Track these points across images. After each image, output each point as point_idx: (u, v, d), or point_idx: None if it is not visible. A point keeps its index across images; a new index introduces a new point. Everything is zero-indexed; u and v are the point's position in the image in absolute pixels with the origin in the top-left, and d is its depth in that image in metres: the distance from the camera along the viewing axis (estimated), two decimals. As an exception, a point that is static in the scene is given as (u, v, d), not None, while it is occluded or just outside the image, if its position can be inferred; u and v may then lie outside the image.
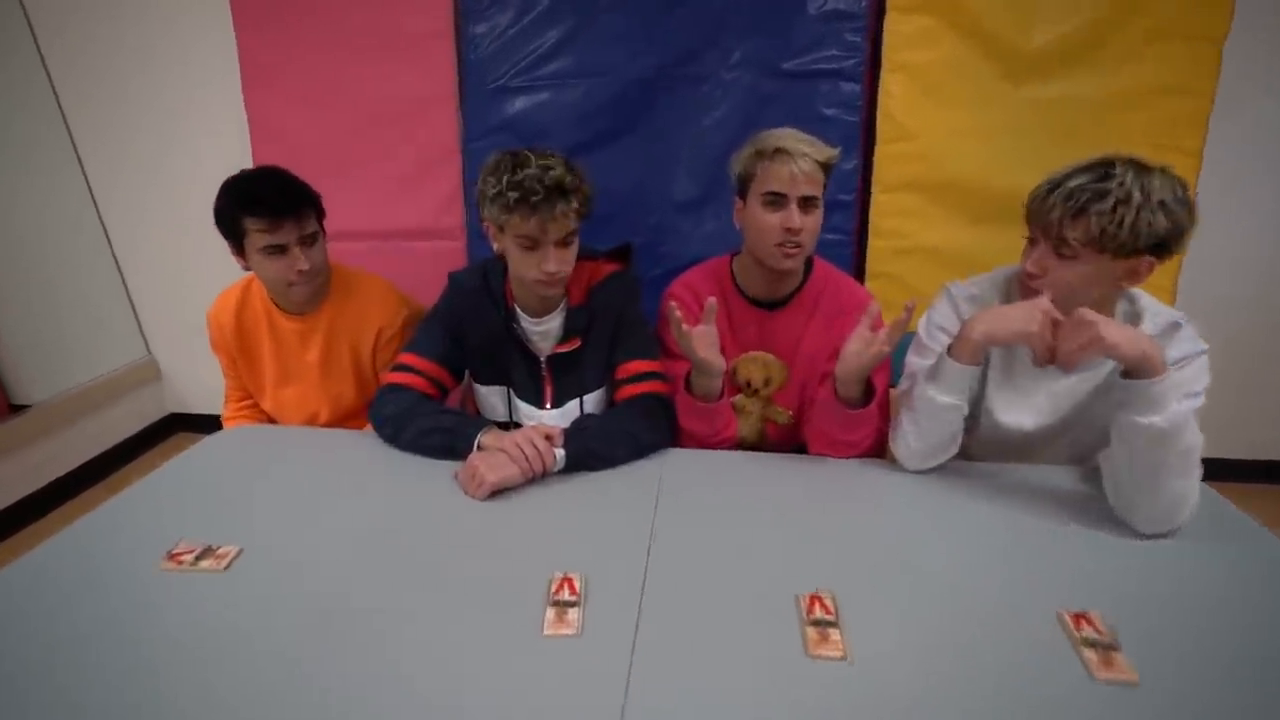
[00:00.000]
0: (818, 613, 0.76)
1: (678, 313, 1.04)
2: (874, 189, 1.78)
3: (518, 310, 1.23)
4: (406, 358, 1.22)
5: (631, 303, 1.26)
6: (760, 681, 0.68)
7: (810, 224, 1.12)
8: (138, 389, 2.51)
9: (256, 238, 1.16)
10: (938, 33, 1.67)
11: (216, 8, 1.93)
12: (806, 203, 1.11)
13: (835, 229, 1.79)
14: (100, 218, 2.34)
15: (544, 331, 1.24)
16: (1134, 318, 1.00)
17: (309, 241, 1.21)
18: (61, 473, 2.23)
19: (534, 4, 1.78)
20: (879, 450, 1.17)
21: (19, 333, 2.19)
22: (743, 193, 1.18)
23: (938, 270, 1.79)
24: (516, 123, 1.86)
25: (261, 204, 1.14)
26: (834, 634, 0.73)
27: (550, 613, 0.77)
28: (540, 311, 1.23)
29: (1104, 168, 0.90)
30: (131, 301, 2.46)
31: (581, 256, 1.24)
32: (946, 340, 1.07)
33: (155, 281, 2.43)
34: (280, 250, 1.17)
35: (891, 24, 1.67)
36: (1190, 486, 0.87)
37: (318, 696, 0.66)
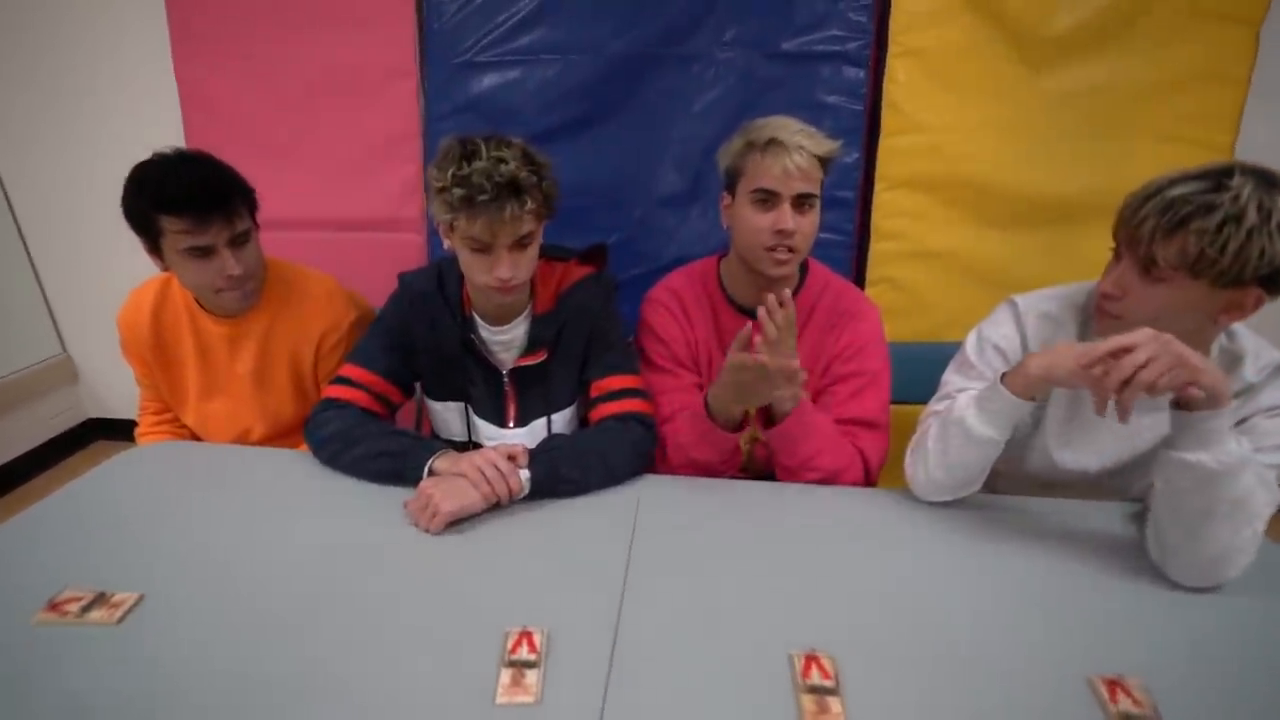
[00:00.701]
0: (814, 677, 0.71)
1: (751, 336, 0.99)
2: (877, 186, 1.74)
3: (476, 318, 1.16)
4: (348, 370, 1.15)
5: (606, 310, 1.19)
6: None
7: (805, 226, 1.08)
8: (51, 390, 2.40)
9: (176, 239, 1.06)
10: (950, 13, 1.62)
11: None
12: (801, 201, 1.06)
13: (832, 229, 1.75)
14: (8, 200, 2.22)
15: (505, 341, 1.17)
16: (1233, 356, 0.93)
17: (240, 241, 1.11)
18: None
19: (505, -32, 1.72)
20: (870, 479, 1.13)
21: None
22: (731, 188, 1.13)
23: (945, 277, 1.75)
24: (483, 102, 1.79)
25: (181, 201, 1.04)
26: (834, 704, 0.68)
27: (505, 675, 0.70)
28: (500, 319, 1.16)
29: (1218, 177, 0.81)
30: (44, 293, 2.34)
31: (550, 256, 1.19)
32: (1000, 362, 1.01)
33: (71, 273, 2.32)
34: (205, 252, 1.08)
35: (900, 2, 1.63)
36: (1242, 540, 0.82)
37: None
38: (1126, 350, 0.77)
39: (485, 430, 1.22)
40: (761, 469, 1.20)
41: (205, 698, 0.68)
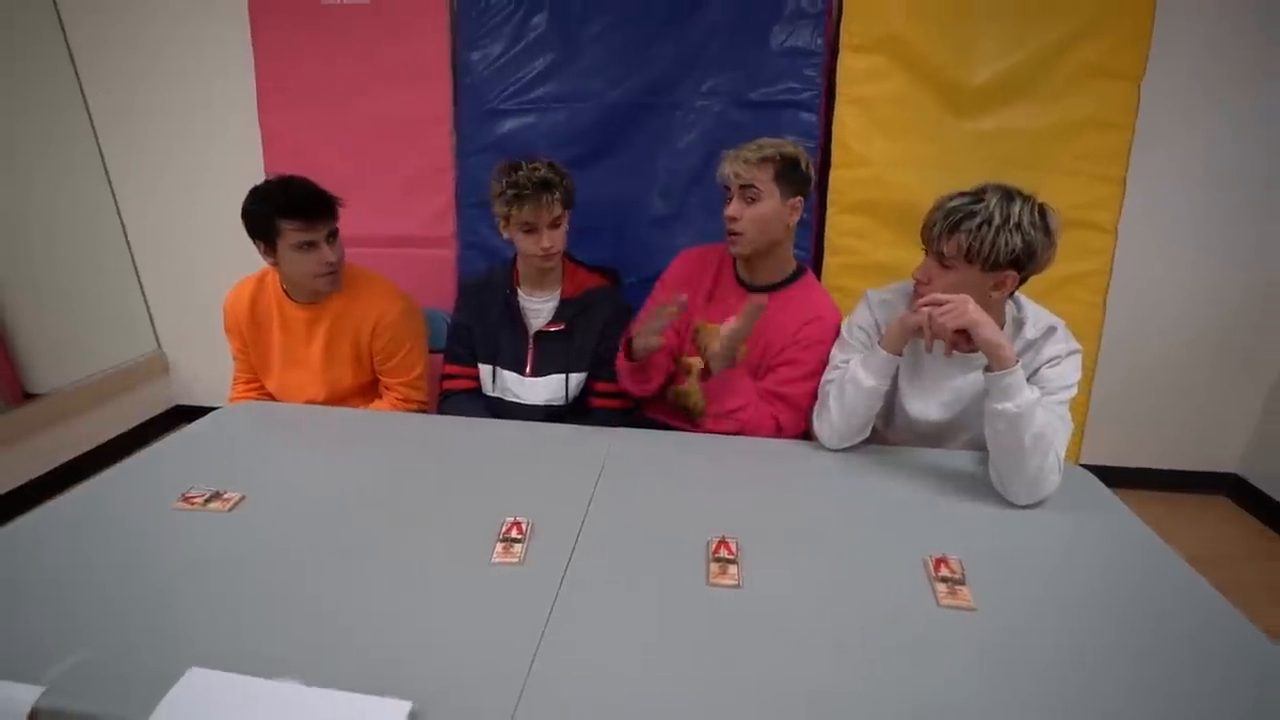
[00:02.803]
0: (722, 553, 0.93)
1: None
2: (829, 210, 1.97)
3: (519, 291, 1.54)
4: (448, 368, 1.58)
5: (617, 323, 1.53)
6: (668, 603, 0.84)
7: (751, 213, 1.30)
8: (146, 381, 2.69)
9: (291, 235, 1.36)
10: (887, 70, 1.86)
11: (238, 31, 2.14)
12: (745, 194, 1.29)
13: (795, 245, 1.96)
14: (120, 216, 2.53)
15: (538, 309, 1.53)
16: (1019, 321, 1.18)
17: (332, 238, 1.42)
18: (69, 458, 2.39)
19: (524, 35, 1.99)
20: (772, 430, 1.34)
21: (36, 324, 2.36)
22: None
23: (883, 283, 1.96)
24: (505, 142, 2.05)
25: (297, 207, 1.35)
26: (732, 569, 0.90)
27: (499, 546, 0.93)
28: (540, 288, 1.53)
29: (978, 193, 1.09)
30: (145, 299, 2.65)
31: (576, 263, 1.58)
32: (863, 337, 1.27)
33: (167, 280, 2.63)
34: (311, 246, 1.38)
35: (845, 61, 1.87)
36: (1048, 465, 1.04)
37: (308, 613, 0.82)
38: (939, 303, 1.06)
39: (509, 377, 1.54)
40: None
41: (286, 561, 0.92)
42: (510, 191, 1.36)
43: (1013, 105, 1.84)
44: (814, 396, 1.33)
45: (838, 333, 1.34)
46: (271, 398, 1.58)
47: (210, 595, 0.84)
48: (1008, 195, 1.07)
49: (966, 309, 1.05)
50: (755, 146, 1.30)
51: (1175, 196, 1.97)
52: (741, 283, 1.44)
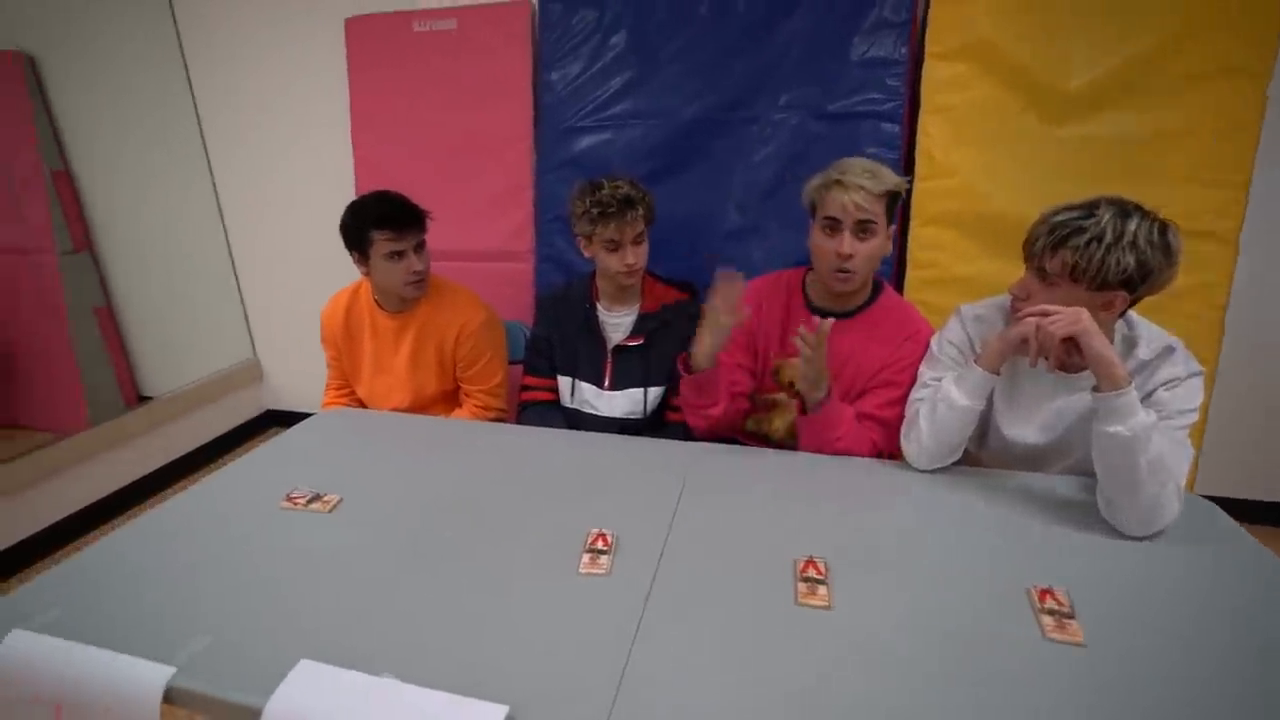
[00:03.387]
0: (810, 573, 0.91)
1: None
2: (912, 222, 1.92)
3: (599, 305, 1.58)
4: (528, 380, 1.64)
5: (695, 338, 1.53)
6: (755, 620, 0.83)
7: (864, 250, 1.24)
8: (242, 387, 2.89)
9: (383, 245, 1.45)
10: (974, 77, 1.81)
11: (335, 58, 2.31)
12: (861, 228, 1.23)
13: (875, 259, 1.93)
14: (225, 230, 2.76)
15: (618, 324, 1.57)
16: (1131, 340, 1.11)
17: (420, 249, 1.51)
18: (173, 458, 2.60)
19: (602, 55, 2.05)
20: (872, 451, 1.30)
21: (150, 331, 2.60)
22: (812, 215, 1.31)
23: (969, 299, 1.89)
24: (583, 159, 2.11)
25: (389, 218, 1.45)
26: (821, 589, 0.88)
27: (585, 557, 0.95)
28: (619, 303, 1.57)
29: (1090, 206, 1.03)
30: (244, 308, 2.86)
31: (654, 277, 1.62)
32: (955, 353, 1.23)
33: (264, 291, 2.83)
34: (400, 256, 1.47)
35: (930, 70, 1.83)
36: (1165, 493, 0.97)
37: (404, 612, 0.86)
38: (1047, 313, 1.01)
39: (587, 390, 1.58)
40: (785, 445, 1.41)
41: (383, 561, 0.97)
42: (595, 210, 1.41)
43: (1112, 110, 1.75)
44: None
45: (929, 336, 1.30)
46: (361, 404, 1.67)
47: (317, 590, 0.90)
48: (1123, 210, 1.00)
49: (1080, 317, 0.99)
50: (869, 174, 1.21)
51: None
52: (817, 310, 1.37)
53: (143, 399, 2.59)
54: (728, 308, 1.22)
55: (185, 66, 2.55)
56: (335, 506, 1.10)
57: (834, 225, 1.24)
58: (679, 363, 1.36)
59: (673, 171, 2.07)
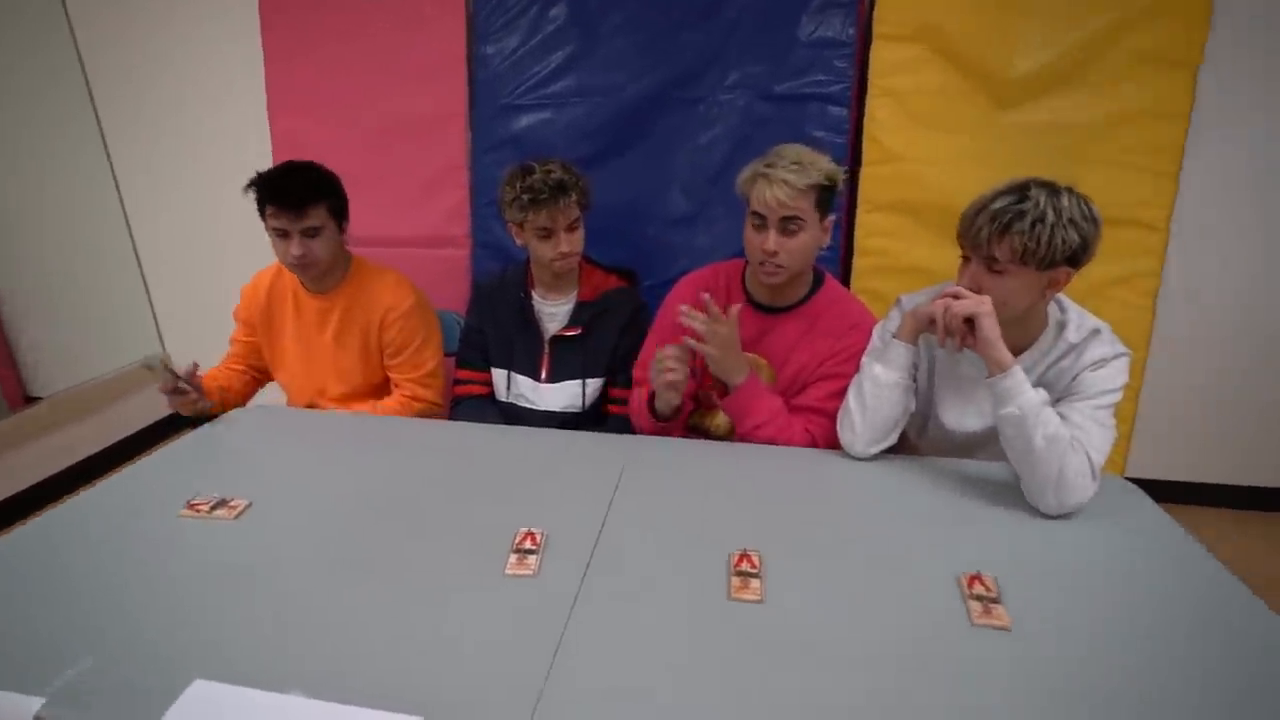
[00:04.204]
0: (744, 566, 0.93)
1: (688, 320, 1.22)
2: (859, 209, 1.96)
3: (534, 294, 1.56)
4: (460, 373, 1.62)
5: (635, 326, 1.55)
6: (687, 619, 0.84)
7: (791, 245, 1.24)
8: (146, 386, 2.76)
9: (270, 220, 1.41)
10: (922, 60, 1.86)
11: (247, 28, 2.21)
12: (787, 224, 1.23)
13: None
14: (126, 218, 2.62)
15: (554, 313, 1.56)
16: (1061, 324, 1.17)
17: (310, 234, 1.42)
18: (71, 462, 2.46)
19: (541, 28, 2.02)
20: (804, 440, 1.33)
21: (40, 328, 2.44)
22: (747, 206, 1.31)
23: (919, 288, 1.95)
24: (522, 138, 2.08)
25: (275, 193, 1.39)
26: (754, 583, 0.90)
27: (513, 558, 0.94)
28: (556, 292, 1.55)
29: (1020, 190, 1.07)
30: (151, 302, 2.72)
31: (592, 264, 1.60)
32: None
33: (172, 281, 2.70)
34: (284, 234, 1.41)
35: (878, 51, 1.87)
36: (1070, 469, 1.03)
37: (316, 624, 0.83)
38: (959, 296, 1.09)
39: (523, 383, 1.57)
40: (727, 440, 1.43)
41: (293, 570, 0.94)
42: (525, 196, 1.38)
43: (1058, 96, 1.83)
44: None
45: (870, 325, 1.34)
46: (255, 383, 1.65)
47: (217, 605, 0.86)
48: (1053, 190, 1.06)
49: (983, 301, 1.07)
50: (795, 167, 1.20)
51: (1233, 192, 1.93)
52: (757, 305, 1.38)
53: (30, 400, 2.44)
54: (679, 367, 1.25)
55: (73, 36, 2.40)
56: (242, 512, 1.06)
57: (760, 220, 1.25)
58: (646, 408, 1.38)
59: (616, 152, 2.06)
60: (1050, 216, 1.03)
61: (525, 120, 2.08)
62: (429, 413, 1.58)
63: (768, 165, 1.23)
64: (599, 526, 1.03)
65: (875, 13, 1.86)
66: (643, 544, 0.99)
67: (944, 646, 0.80)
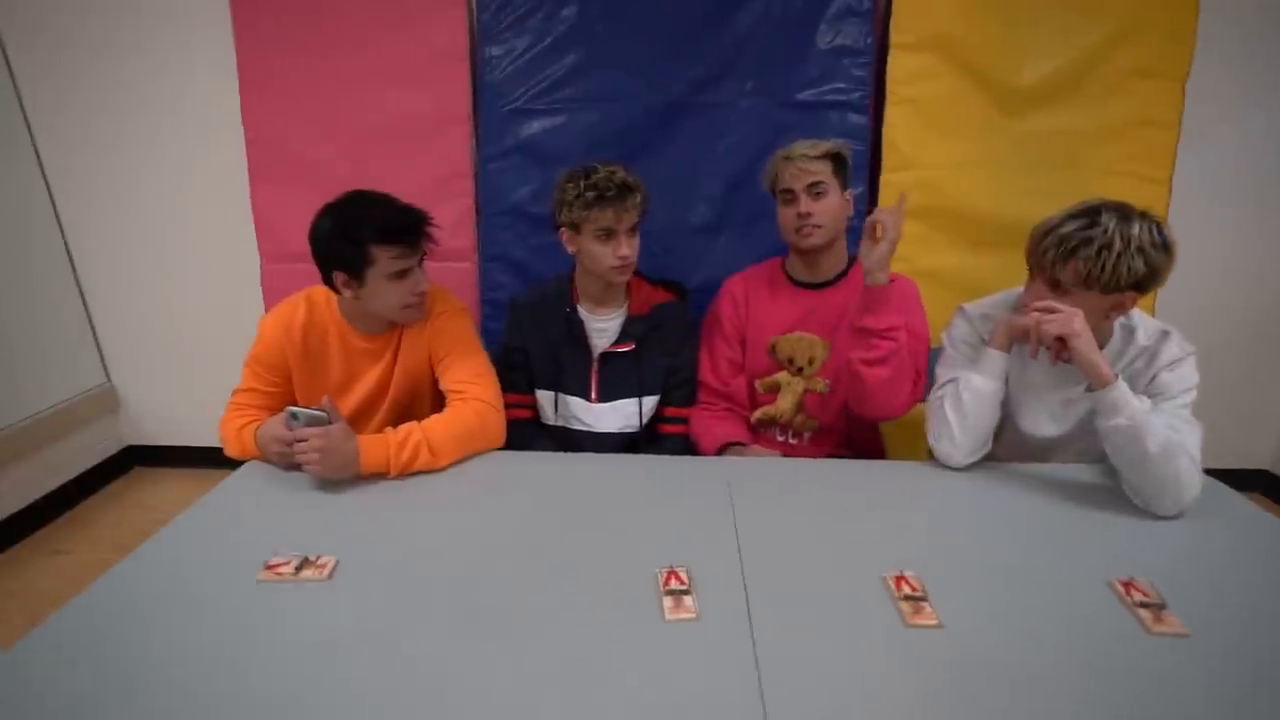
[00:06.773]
0: (906, 590, 0.90)
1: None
2: (880, 214, 1.99)
3: (580, 308, 1.49)
4: (508, 397, 1.43)
5: (689, 343, 1.53)
6: (872, 650, 0.80)
7: (821, 207, 1.38)
8: (94, 419, 2.46)
9: (387, 264, 1.23)
10: (937, 69, 1.90)
11: (216, 15, 1.99)
12: (814, 189, 1.38)
13: (843, 250, 1.98)
14: (60, 228, 2.31)
15: (603, 329, 1.48)
16: (1129, 329, 1.21)
17: (421, 262, 1.30)
18: (13, 510, 2.15)
19: (552, 28, 1.93)
20: (907, 394, 1.37)
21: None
22: (774, 195, 1.47)
23: (937, 290, 1.98)
24: (531, 145, 1.98)
25: (396, 231, 1.23)
26: (926, 606, 0.87)
27: (667, 600, 0.88)
28: (605, 305, 1.49)
29: (1091, 213, 1.09)
30: (93, 326, 2.42)
31: (640, 276, 1.52)
32: (967, 350, 1.29)
33: (118, 305, 2.41)
34: (405, 275, 1.26)
35: (894, 60, 1.90)
36: (1183, 470, 1.06)
37: (457, 690, 0.74)
38: (1051, 310, 1.10)
39: (574, 403, 1.49)
40: (805, 420, 1.50)
41: (419, 631, 0.84)
42: (590, 194, 1.32)
43: (1060, 105, 1.92)
44: (924, 357, 1.39)
45: (917, 292, 1.45)
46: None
47: (330, 684, 0.74)
48: (1124, 216, 1.07)
49: (1073, 321, 1.09)
50: (808, 143, 1.39)
51: (1218, 197, 2.08)
52: (800, 285, 1.51)
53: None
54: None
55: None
56: (333, 571, 0.94)
57: (790, 195, 1.40)
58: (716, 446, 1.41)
59: (632, 160, 1.96)
60: (1118, 244, 1.05)
61: (535, 125, 1.99)
62: (486, 415, 1.34)
63: (787, 151, 1.40)
64: (736, 555, 0.98)
65: (892, 21, 1.89)
66: (791, 570, 0.95)
67: (1123, 660, 0.79)
